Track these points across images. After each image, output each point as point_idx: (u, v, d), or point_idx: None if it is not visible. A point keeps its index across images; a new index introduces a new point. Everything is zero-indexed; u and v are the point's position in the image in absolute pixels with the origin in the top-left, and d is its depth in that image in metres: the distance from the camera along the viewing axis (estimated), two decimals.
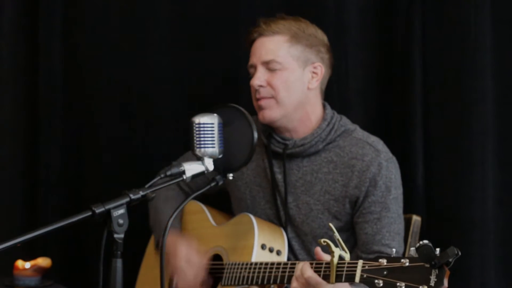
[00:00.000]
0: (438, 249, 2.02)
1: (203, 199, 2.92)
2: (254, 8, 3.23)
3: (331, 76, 2.82)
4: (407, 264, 2.06)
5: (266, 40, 2.73)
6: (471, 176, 3.03)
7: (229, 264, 2.67)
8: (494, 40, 3.03)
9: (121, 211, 2.08)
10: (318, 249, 2.32)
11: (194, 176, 2.31)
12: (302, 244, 2.75)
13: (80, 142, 3.46)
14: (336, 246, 2.19)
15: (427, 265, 2.02)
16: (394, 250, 2.17)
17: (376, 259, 2.12)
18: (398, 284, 2.05)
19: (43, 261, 2.97)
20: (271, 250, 2.66)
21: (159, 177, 2.24)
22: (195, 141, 2.35)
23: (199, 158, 2.34)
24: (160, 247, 2.84)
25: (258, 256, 2.62)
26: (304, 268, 2.30)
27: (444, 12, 3.08)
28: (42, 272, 2.97)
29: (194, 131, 2.35)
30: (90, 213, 2.06)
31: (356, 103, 3.17)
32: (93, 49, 3.42)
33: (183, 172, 2.29)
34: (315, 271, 2.29)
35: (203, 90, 3.33)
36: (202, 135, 2.35)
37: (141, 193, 2.15)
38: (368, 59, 3.18)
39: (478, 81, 3.03)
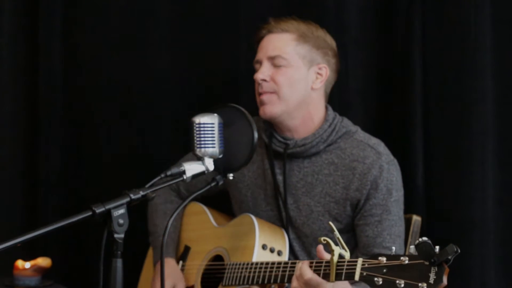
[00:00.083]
0: (437, 247, 2.02)
1: (205, 201, 2.93)
2: (254, 8, 3.23)
3: (337, 83, 2.82)
4: (407, 262, 2.06)
5: (275, 37, 2.74)
6: (471, 176, 3.03)
7: (230, 265, 2.67)
8: (494, 40, 3.03)
9: (122, 211, 2.08)
10: (320, 248, 2.31)
11: (194, 176, 2.31)
12: (303, 246, 2.75)
13: (80, 142, 3.46)
14: (336, 244, 2.19)
15: (427, 263, 2.02)
16: (393, 249, 2.17)
17: (375, 257, 2.12)
18: (397, 282, 2.05)
19: (43, 261, 2.97)
20: (272, 251, 2.65)
21: (159, 177, 2.24)
22: (195, 141, 2.35)
23: (200, 158, 2.34)
24: (158, 256, 2.86)
25: (259, 256, 2.62)
26: (304, 269, 2.30)
27: (444, 12, 3.08)
28: (42, 272, 2.97)
29: (194, 131, 2.35)
30: (90, 213, 2.06)
31: (356, 103, 3.17)
32: (93, 49, 3.42)
33: (183, 172, 2.29)
34: (315, 270, 2.28)
35: (203, 90, 3.33)
36: (202, 135, 2.34)
37: (141, 193, 2.15)
38: (368, 59, 3.18)
39: (478, 81, 3.03)
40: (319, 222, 2.71)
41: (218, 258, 2.77)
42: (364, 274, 2.13)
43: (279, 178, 2.76)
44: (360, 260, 2.15)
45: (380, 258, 2.11)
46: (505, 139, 3.06)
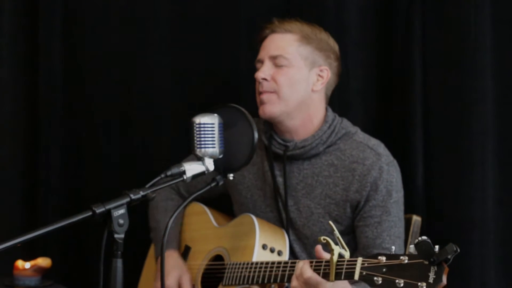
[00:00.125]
0: (437, 246, 2.02)
1: (205, 202, 2.93)
2: (254, 8, 3.23)
3: (337, 84, 2.82)
4: (406, 261, 2.06)
5: (277, 36, 2.75)
6: (471, 176, 3.03)
7: (230, 264, 2.67)
8: (494, 40, 3.03)
9: (122, 211, 2.08)
10: (319, 247, 2.31)
11: (195, 176, 2.31)
12: (304, 247, 2.75)
13: (80, 142, 3.46)
14: (336, 244, 2.19)
15: (426, 262, 2.02)
16: (393, 249, 2.17)
17: (375, 257, 2.12)
18: (397, 281, 2.05)
19: (43, 261, 2.97)
20: (272, 251, 2.65)
21: (159, 177, 2.24)
22: (195, 141, 2.34)
23: (200, 158, 2.34)
24: (160, 251, 2.85)
25: (259, 256, 2.62)
26: (304, 269, 2.30)
27: (444, 12, 3.08)
28: (42, 272, 2.97)
29: (195, 131, 2.35)
30: (90, 213, 2.06)
31: (356, 103, 3.17)
32: (93, 49, 3.42)
33: (184, 172, 2.28)
34: (315, 270, 2.29)
35: (203, 90, 3.32)
36: (202, 135, 2.34)
37: (142, 193, 2.15)
38: (368, 59, 3.18)
39: (478, 81, 3.03)
40: (320, 223, 2.71)
41: (218, 258, 2.77)
42: (364, 273, 2.13)
43: (279, 180, 2.76)
44: (359, 260, 2.15)
45: (379, 257, 2.11)
46: (505, 139, 3.06)
